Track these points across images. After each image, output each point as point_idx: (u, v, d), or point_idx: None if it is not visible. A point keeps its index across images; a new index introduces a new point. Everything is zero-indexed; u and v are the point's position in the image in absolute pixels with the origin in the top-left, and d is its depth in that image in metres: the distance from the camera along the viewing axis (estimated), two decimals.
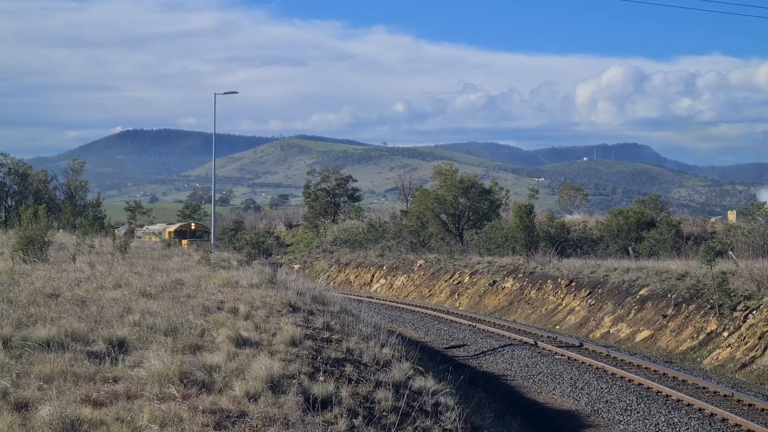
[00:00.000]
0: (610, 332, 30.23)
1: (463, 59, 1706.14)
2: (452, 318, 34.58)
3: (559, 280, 36.84)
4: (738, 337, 24.82)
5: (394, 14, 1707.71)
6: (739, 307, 25.96)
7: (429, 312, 37.07)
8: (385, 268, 52.32)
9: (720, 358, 24.56)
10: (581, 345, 27.24)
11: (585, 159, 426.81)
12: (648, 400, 19.80)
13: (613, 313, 31.38)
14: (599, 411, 19.40)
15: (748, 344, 24.17)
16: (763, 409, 18.73)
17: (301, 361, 11.89)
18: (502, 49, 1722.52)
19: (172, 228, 64.67)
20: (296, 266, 57.51)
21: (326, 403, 10.33)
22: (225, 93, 51.53)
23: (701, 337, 26.30)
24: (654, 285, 30.93)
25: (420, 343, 23.33)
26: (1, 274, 18.77)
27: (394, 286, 49.16)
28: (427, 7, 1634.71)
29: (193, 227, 65.27)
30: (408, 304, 40.55)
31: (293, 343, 12.76)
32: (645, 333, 28.65)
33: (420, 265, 49.11)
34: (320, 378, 11.32)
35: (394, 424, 10.53)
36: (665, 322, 28.35)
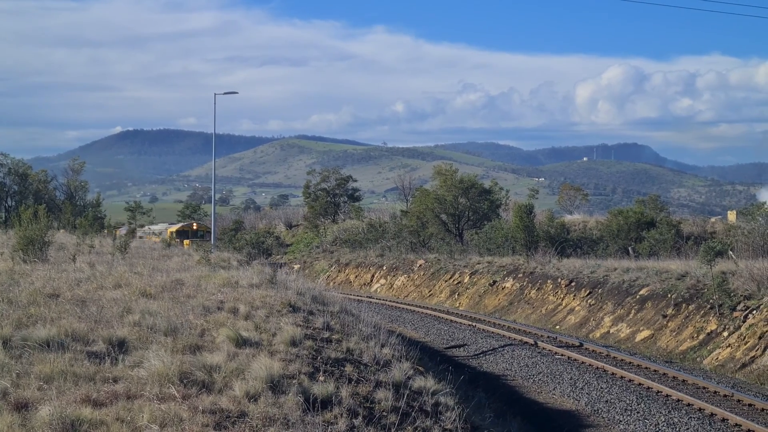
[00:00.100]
0: (610, 332, 30.23)
1: (463, 59, 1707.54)
2: (452, 318, 34.59)
3: (559, 280, 36.84)
4: (738, 337, 24.82)
5: (393, 14, 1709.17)
6: (739, 307, 25.96)
7: (429, 312, 37.07)
8: (385, 268, 52.31)
9: (720, 358, 24.56)
10: (581, 345, 27.24)
11: (585, 159, 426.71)
12: (648, 400, 19.80)
13: (613, 313, 31.38)
14: (599, 411, 19.40)
15: (748, 344, 24.17)
16: (763, 409, 18.73)
17: (301, 361, 11.89)
18: (502, 49, 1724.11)
19: (174, 228, 64.68)
20: (296, 266, 57.50)
21: (326, 403, 10.34)
22: (225, 93, 51.57)
23: (701, 337, 26.30)
24: (654, 285, 30.93)
25: (420, 343, 23.33)
26: (1, 274, 18.76)
27: (394, 286, 49.16)
28: (427, 7, 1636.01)
29: (195, 227, 65.25)
30: (408, 304, 40.55)
31: (293, 343, 12.76)
32: (645, 333, 28.65)
33: (420, 265, 49.11)
34: (320, 378, 11.32)
35: (394, 424, 10.53)
36: (665, 322, 28.35)
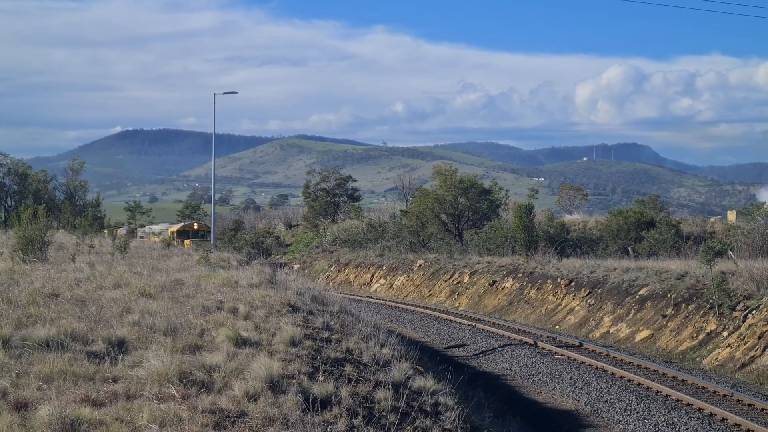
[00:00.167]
0: (610, 332, 30.23)
1: (463, 59, 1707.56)
2: (452, 318, 34.59)
3: (559, 280, 36.85)
4: (737, 337, 24.82)
5: (393, 14, 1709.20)
6: (738, 307, 25.97)
7: (429, 312, 37.08)
8: (384, 268, 52.31)
9: (719, 357, 24.56)
10: (581, 345, 27.24)
11: (585, 159, 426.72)
12: (647, 399, 19.80)
13: (612, 313, 31.39)
14: (599, 411, 19.40)
15: (748, 344, 24.18)
16: (762, 409, 18.74)
17: (301, 361, 11.89)
18: (501, 49, 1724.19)
19: (175, 228, 64.69)
20: (296, 266, 57.51)
21: (326, 402, 10.34)
22: (225, 93, 51.53)
23: (701, 336, 26.30)
24: (654, 285, 30.93)
25: (420, 342, 23.32)
26: (1, 274, 18.76)
27: (394, 286, 49.16)
28: (427, 7, 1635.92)
29: (196, 227, 65.24)
30: (408, 304, 40.55)
31: (293, 343, 12.76)
32: (644, 333, 28.65)
33: (420, 265, 49.11)
34: (320, 378, 11.32)
35: (394, 423, 10.53)
36: (665, 322, 28.36)
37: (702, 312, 27.31)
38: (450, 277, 45.03)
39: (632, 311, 30.48)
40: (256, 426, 9.15)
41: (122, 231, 56.42)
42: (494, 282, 41.21)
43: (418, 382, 12.63)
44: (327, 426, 9.70)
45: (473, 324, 32.70)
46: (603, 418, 18.90)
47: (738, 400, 19.53)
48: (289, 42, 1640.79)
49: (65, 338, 11.44)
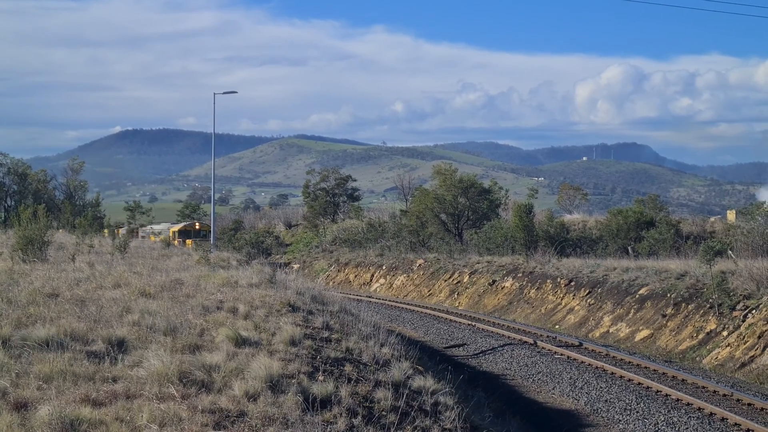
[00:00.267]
0: (610, 332, 30.24)
1: (463, 59, 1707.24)
2: (452, 317, 34.59)
3: (559, 279, 36.86)
4: (737, 337, 24.83)
5: (393, 14, 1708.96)
6: (738, 307, 25.98)
7: (428, 311, 37.08)
8: (384, 267, 52.32)
9: (719, 357, 24.57)
10: (581, 344, 27.25)
11: (584, 159, 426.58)
12: (647, 399, 19.81)
13: (612, 313, 31.39)
14: (599, 410, 19.41)
15: (748, 343, 24.18)
16: (762, 409, 18.74)
17: (301, 361, 11.89)
18: (501, 49, 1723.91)
19: (177, 227, 64.73)
20: (296, 266, 57.54)
21: (326, 402, 10.34)
22: (224, 93, 51.49)
23: (701, 336, 26.31)
24: (653, 284, 30.94)
25: (419, 342, 23.33)
26: (1, 273, 18.76)
27: (394, 285, 49.17)
28: (427, 7, 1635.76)
29: (197, 227, 65.27)
30: (407, 304, 40.56)
31: (293, 342, 12.76)
32: (644, 332, 28.66)
33: (419, 265, 49.12)
34: (320, 377, 11.32)
35: (394, 423, 10.53)
36: (665, 322, 28.36)
37: (702, 311, 27.32)
38: (450, 277, 45.03)
39: (632, 311, 30.49)
40: (256, 426, 9.15)
41: (122, 231, 56.44)
42: (494, 281, 41.22)
43: (417, 382, 12.63)
44: (327, 426, 9.70)
45: (473, 323, 32.70)
46: (603, 417, 18.90)
47: (738, 400, 19.54)
48: (289, 42, 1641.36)
49: (65, 338, 11.44)
